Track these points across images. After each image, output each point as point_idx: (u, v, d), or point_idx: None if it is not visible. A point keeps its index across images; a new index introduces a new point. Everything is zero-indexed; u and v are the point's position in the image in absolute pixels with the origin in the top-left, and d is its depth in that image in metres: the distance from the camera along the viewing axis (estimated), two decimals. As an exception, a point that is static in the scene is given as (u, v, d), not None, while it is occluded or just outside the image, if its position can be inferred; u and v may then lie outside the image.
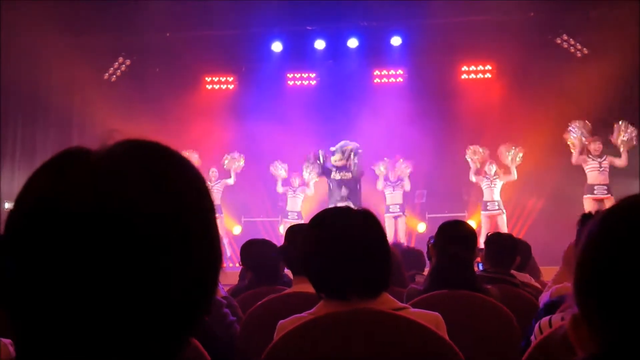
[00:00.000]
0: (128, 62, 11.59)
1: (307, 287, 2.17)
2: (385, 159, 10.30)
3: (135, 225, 0.68)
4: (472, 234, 3.06)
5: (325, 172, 10.09)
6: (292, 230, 3.08)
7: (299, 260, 1.92)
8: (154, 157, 0.75)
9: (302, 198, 10.50)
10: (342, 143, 9.97)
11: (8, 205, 10.29)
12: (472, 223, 9.08)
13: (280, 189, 10.56)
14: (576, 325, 0.82)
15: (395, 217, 10.16)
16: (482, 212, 9.83)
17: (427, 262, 4.93)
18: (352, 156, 9.90)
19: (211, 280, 0.75)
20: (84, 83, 10.76)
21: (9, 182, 10.47)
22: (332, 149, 9.95)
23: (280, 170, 10.58)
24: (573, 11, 10.51)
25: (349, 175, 9.84)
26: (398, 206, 10.19)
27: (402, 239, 9.68)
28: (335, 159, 9.89)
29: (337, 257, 1.76)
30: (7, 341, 1.81)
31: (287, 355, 1.62)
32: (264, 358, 1.64)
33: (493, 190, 9.80)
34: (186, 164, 0.76)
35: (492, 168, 9.82)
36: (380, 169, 10.21)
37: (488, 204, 9.80)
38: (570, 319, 0.83)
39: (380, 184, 10.22)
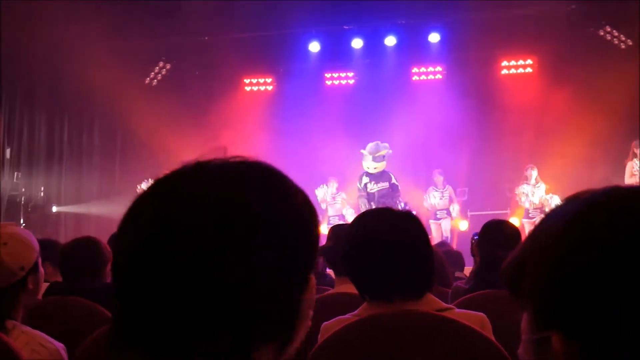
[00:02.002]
0: (168, 66, 11.76)
1: (350, 288, 2.17)
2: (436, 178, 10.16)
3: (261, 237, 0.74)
4: (516, 234, 3.02)
5: (362, 191, 9.54)
6: (335, 230, 3.08)
7: (342, 261, 1.92)
8: (272, 177, 0.81)
9: (340, 203, 10.42)
10: (372, 146, 9.46)
11: (56, 209, 10.56)
12: (515, 220, 8.93)
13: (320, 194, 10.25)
14: (567, 348, 0.68)
15: (440, 220, 10.05)
16: (524, 220, 9.48)
17: (465, 261, 4.92)
18: (384, 161, 9.48)
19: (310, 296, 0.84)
20: (127, 88, 10.96)
21: (56, 186, 10.75)
22: (363, 151, 9.50)
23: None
24: (615, 2, 10.25)
25: (386, 184, 9.41)
26: (445, 211, 10.09)
27: (448, 239, 9.52)
28: (369, 166, 9.37)
29: (379, 258, 1.76)
30: (60, 345, 1.86)
31: (332, 357, 1.63)
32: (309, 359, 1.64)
33: (534, 197, 9.54)
34: (298, 188, 0.83)
35: (533, 174, 9.54)
36: (430, 201, 10.08)
37: (530, 212, 9.54)
38: (557, 342, 0.69)
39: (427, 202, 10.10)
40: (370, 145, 9.54)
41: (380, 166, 9.45)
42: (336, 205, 10.39)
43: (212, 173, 0.78)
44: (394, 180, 9.47)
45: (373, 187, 9.39)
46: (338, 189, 10.45)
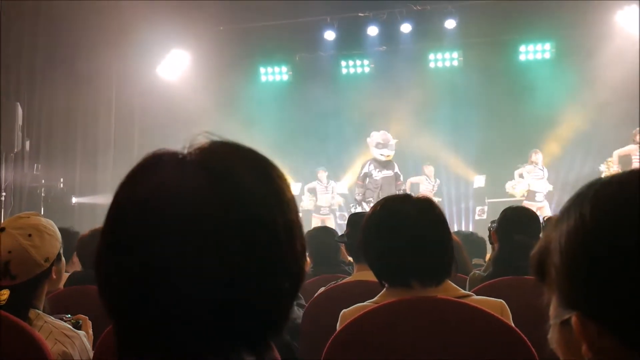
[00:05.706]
0: (184, 56, 11.75)
1: (369, 275, 2.17)
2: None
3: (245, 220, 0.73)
4: (534, 219, 3.00)
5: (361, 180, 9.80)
6: (356, 217, 3.08)
7: (360, 248, 1.91)
8: (249, 157, 0.79)
9: (332, 194, 10.48)
10: (383, 134, 9.65)
11: (75, 200, 10.66)
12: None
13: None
14: (584, 327, 0.70)
15: None
16: (531, 203, 9.36)
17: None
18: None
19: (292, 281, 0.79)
20: (142, 79, 11.03)
21: (73, 178, 10.83)
22: (369, 139, 9.68)
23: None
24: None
25: (390, 173, 9.61)
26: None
27: None
28: (383, 154, 9.59)
29: (398, 244, 1.75)
30: (82, 332, 1.88)
31: (352, 344, 1.63)
32: (328, 347, 1.65)
33: (541, 181, 9.52)
34: (274, 166, 0.80)
35: (540, 157, 9.53)
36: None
37: (536, 194, 9.50)
38: (576, 322, 0.70)
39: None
40: (381, 134, 9.68)
41: (392, 154, 9.63)
42: (327, 195, 10.45)
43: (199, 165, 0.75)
44: (397, 169, 9.62)
45: (377, 175, 9.55)
46: (329, 178, 10.55)
